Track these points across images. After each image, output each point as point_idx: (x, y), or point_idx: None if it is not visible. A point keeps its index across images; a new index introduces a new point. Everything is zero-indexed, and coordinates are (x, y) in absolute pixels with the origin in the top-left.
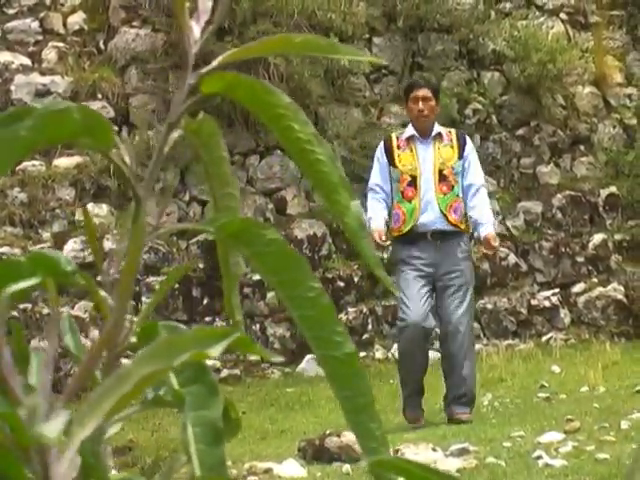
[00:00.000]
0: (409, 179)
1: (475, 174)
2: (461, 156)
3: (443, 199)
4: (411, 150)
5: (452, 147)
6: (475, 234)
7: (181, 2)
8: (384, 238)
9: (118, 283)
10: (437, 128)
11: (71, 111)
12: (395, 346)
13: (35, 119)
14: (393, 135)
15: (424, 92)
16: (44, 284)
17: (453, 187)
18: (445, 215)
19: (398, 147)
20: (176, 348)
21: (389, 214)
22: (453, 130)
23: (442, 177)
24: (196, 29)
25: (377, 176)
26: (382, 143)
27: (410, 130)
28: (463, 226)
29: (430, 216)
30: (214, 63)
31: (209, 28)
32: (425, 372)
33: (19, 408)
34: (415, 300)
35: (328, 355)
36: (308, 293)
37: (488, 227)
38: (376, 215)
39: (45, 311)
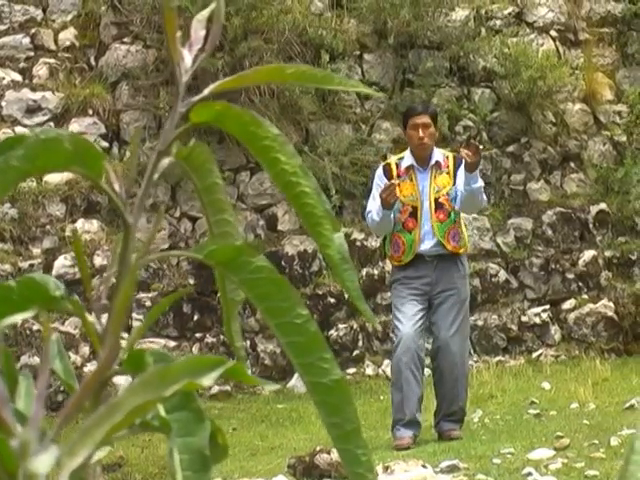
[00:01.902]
0: (410, 210)
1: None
2: (455, 181)
3: (440, 227)
4: (411, 180)
5: (448, 174)
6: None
7: (172, 31)
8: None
9: (110, 316)
10: (436, 155)
11: (62, 140)
12: (386, 362)
13: (26, 148)
14: (392, 162)
15: (424, 119)
16: (38, 308)
17: (450, 214)
18: (443, 244)
19: (398, 176)
20: (168, 378)
21: (388, 240)
22: (451, 155)
23: (438, 205)
24: (188, 58)
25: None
26: (381, 169)
27: (409, 159)
28: (462, 250)
29: (428, 245)
30: (205, 92)
31: (201, 56)
32: (420, 391)
33: (12, 439)
34: (409, 318)
35: (316, 382)
36: (295, 320)
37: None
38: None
39: (35, 327)
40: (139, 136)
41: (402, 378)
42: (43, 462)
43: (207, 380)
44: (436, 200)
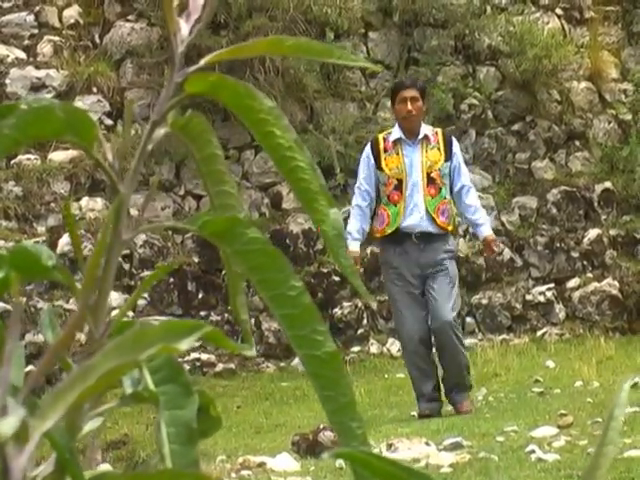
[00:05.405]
0: (395, 182)
1: (465, 175)
2: (448, 158)
3: (431, 202)
4: (397, 153)
5: (439, 149)
6: (473, 233)
7: (169, 0)
8: (358, 266)
9: (84, 268)
10: (424, 129)
11: (54, 108)
12: (390, 340)
13: (18, 117)
14: (380, 136)
15: (411, 93)
16: (30, 277)
17: (440, 189)
18: (433, 218)
19: (385, 150)
20: (144, 341)
21: (373, 215)
22: (439, 130)
23: (430, 180)
24: (185, 27)
25: (365, 179)
26: (369, 145)
27: (397, 132)
28: (450, 227)
29: (416, 218)
30: (201, 62)
31: (198, 26)
32: (433, 372)
33: None
34: (410, 312)
35: (309, 354)
36: (289, 292)
37: (487, 228)
38: (353, 234)
39: (40, 305)
40: (132, 107)
41: (413, 365)
42: (8, 423)
43: (184, 344)
44: (428, 175)
